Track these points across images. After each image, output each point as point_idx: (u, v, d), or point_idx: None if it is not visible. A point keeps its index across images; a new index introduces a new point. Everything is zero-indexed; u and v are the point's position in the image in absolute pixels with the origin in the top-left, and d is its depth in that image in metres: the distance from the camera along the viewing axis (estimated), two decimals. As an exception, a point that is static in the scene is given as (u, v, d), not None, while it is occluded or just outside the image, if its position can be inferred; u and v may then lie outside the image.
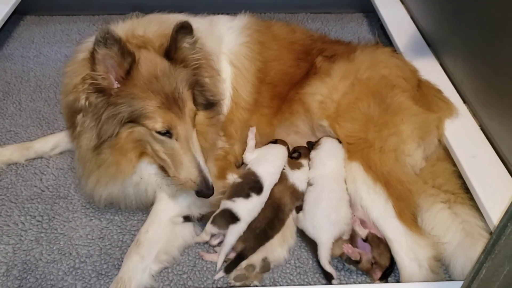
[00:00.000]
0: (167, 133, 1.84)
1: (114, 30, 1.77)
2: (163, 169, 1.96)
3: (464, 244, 1.93)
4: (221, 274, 1.96)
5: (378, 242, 1.97)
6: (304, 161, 2.29)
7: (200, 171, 1.87)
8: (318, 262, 1.99)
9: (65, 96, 1.95)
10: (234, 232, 1.99)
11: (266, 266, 1.99)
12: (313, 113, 2.32)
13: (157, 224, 2.04)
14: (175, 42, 1.84)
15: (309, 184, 2.18)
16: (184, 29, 1.84)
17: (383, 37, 3.34)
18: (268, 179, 2.15)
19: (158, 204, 2.10)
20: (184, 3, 3.71)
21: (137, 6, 3.76)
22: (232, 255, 2.01)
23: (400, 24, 3.17)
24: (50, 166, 2.50)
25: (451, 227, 1.99)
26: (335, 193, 2.08)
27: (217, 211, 2.06)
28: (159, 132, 1.83)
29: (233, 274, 1.94)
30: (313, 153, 2.27)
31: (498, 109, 2.17)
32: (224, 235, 2.02)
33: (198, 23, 2.39)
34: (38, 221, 2.22)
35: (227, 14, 2.60)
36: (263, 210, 2.09)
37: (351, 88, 2.26)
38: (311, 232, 2.00)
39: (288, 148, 2.35)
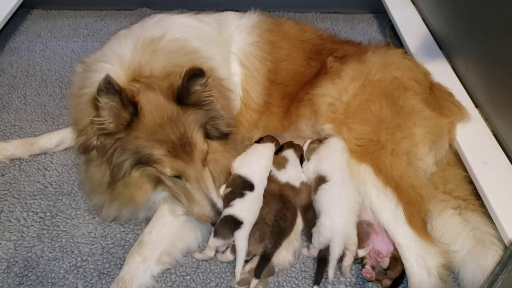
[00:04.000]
0: (177, 176, 1.84)
1: (118, 73, 1.78)
2: (178, 199, 1.97)
3: (474, 252, 1.88)
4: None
5: (395, 262, 1.92)
6: (288, 153, 2.23)
7: (213, 205, 1.89)
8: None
9: (77, 135, 1.92)
10: (242, 236, 1.94)
11: (270, 270, 1.95)
12: (321, 115, 2.28)
13: (161, 225, 2.01)
14: (187, 90, 1.77)
15: (322, 179, 2.07)
16: (196, 76, 1.76)
17: (394, 39, 3.29)
18: (256, 177, 2.11)
19: (163, 206, 2.07)
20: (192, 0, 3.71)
21: (145, 2, 3.76)
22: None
23: (411, 26, 3.12)
24: (54, 162, 2.47)
25: (461, 234, 1.95)
26: (351, 195, 2.03)
27: (217, 222, 1.96)
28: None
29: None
30: (321, 148, 2.22)
31: (511, 113, 2.12)
32: (229, 245, 1.98)
33: (206, 25, 2.35)
34: (41, 217, 2.20)
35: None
36: (267, 204, 2.06)
37: (362, 89, 2.22)
38: (328, 226, 1.91)
39: (277, 143, 2.31)
